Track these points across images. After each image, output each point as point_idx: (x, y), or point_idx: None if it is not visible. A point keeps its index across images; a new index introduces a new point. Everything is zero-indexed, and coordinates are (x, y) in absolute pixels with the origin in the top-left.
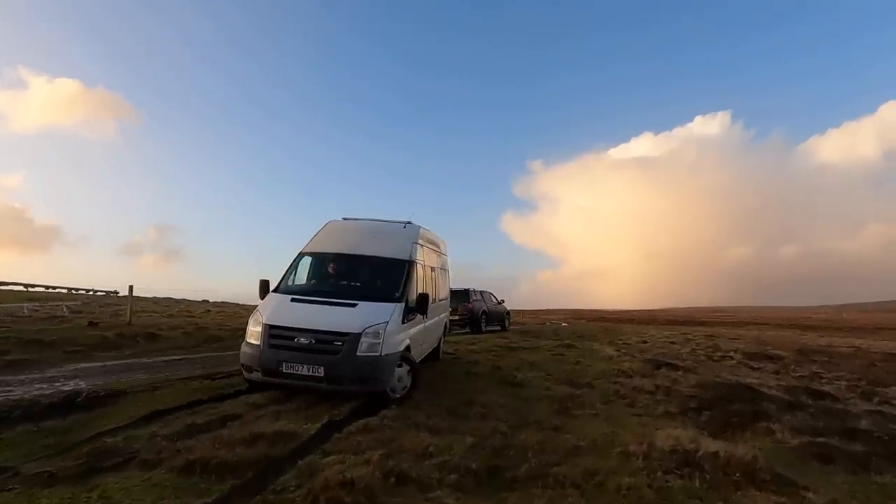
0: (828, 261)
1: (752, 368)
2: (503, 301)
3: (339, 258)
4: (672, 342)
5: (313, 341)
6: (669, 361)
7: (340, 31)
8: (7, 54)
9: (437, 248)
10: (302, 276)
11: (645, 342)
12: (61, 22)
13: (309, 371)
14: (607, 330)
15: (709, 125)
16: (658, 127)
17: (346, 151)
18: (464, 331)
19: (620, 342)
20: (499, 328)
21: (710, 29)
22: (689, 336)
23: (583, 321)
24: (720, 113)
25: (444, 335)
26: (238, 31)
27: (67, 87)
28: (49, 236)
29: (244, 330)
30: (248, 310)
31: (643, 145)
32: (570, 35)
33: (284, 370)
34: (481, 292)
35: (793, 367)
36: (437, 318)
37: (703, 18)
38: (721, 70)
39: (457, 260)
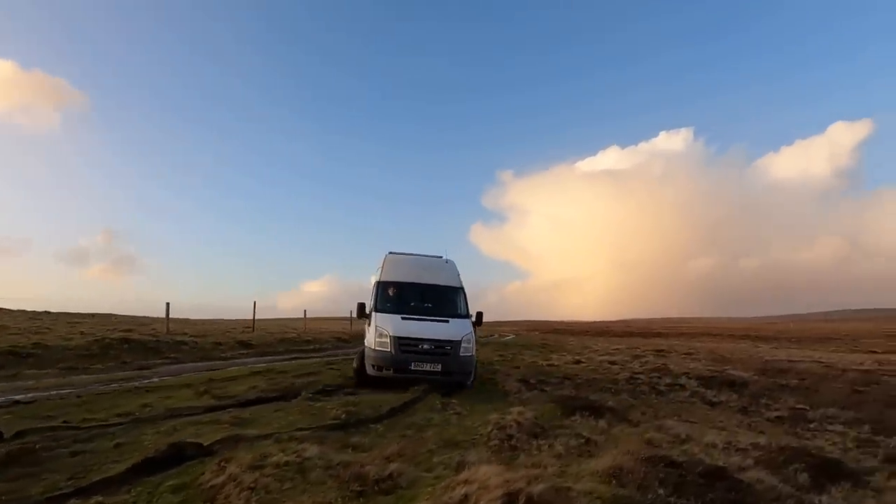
0: (784, 272)
1: (712, 405)
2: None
3: (412, 286)
4: (612, 362)
5: (433, 347)
6: (594, 400)
7: (309, 25)
8: None
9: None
10: (387, 299)
11: (578, 362)
12: None
13: (430, 367)
14: (545, 346)
15: (672, 140)
16: (624, 141)
17: (322, 149)
18: None
19: (545, 363)
20: None
21: (672, 50)
22: (638, 352)
23: (536, 333)
24: (683, 129)
25: None
26: (207, 6)
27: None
28: None
29: None
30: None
31: (611, 158)
32: (537, 48)
33: (413, 367)
34: None
35: (764, 399)
36: None
37: (666, 37)
38: (684, 89)
39: None
